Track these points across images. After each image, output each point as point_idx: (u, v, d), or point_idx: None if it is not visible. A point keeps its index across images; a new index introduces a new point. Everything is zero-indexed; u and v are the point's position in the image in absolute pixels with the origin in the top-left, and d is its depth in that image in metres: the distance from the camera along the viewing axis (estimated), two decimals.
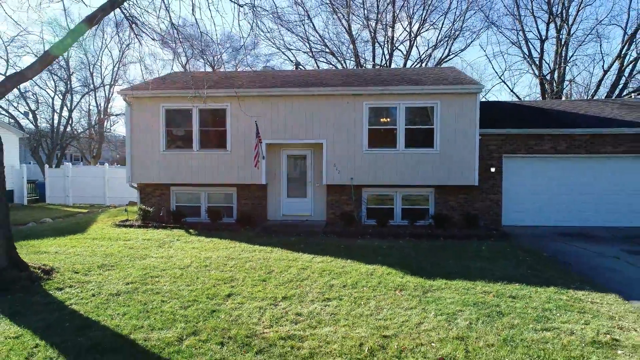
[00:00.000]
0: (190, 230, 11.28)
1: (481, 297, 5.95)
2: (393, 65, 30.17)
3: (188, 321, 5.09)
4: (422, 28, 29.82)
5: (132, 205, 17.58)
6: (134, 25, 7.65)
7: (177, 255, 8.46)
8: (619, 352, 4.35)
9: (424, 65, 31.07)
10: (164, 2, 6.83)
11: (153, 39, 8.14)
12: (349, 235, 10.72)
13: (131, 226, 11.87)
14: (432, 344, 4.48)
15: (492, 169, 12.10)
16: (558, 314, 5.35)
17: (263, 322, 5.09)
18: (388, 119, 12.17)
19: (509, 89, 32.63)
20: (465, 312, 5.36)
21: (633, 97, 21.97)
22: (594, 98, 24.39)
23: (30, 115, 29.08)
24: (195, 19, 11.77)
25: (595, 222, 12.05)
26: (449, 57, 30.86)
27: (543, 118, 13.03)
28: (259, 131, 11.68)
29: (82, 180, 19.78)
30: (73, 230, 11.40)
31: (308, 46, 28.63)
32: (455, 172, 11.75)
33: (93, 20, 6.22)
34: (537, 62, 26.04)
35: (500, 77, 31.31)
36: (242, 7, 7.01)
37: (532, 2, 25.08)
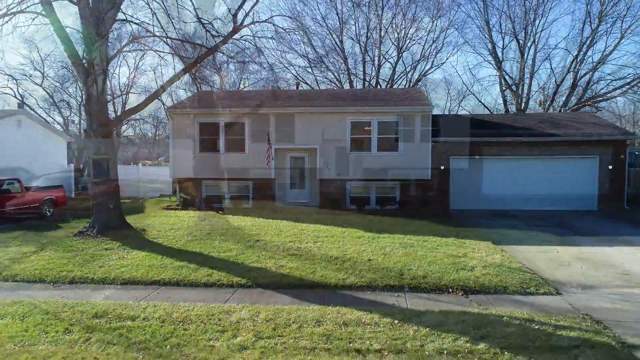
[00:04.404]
0: (219, 212, 15.43)
1: (406, 241, 10.12)
2: (382, 76, 34.35)
3: (238, 249, 9.26)
4: (409, 42, 34.00)
5: (163, 198, 21.75)
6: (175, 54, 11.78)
7: (218, 224, 12.64)
8: (462, 258, 8.50)
9: (409, 76, 35.31)
10: (215, 61, 10.95)
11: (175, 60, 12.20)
12: (335, 215, 14.86)
13: (175, 209, 16.03)
14: (368, 255, 8.65)
15: (442, 167, 16.24)
16: (444, 247, 9.51)
17: (279, 249, 9.25)
18: (365, 130, 16.32)
19: (478, 99, 37.02)
20: (392, 246, 9.54)
21: (562, 111, 26.18)
22: (548, 110, 28.58)
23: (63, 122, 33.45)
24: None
25: (520, 207, 16.13)
26: (431, 70, 35.13)
27: (483, 128, 17.16)
28: (270, 139, 15.82)
29: (120, 177, 23.85)
30: (134, 212, 15.56)
31: (307, 60, 32.87)
32: (414, 170, 15.91)
33: (171, 83, 10.37)
34: (503, 78, 30.30)
35: (469, 90, 35.93)
36: (264, 67, 11.15)
37: (490, 33, 29.55)
